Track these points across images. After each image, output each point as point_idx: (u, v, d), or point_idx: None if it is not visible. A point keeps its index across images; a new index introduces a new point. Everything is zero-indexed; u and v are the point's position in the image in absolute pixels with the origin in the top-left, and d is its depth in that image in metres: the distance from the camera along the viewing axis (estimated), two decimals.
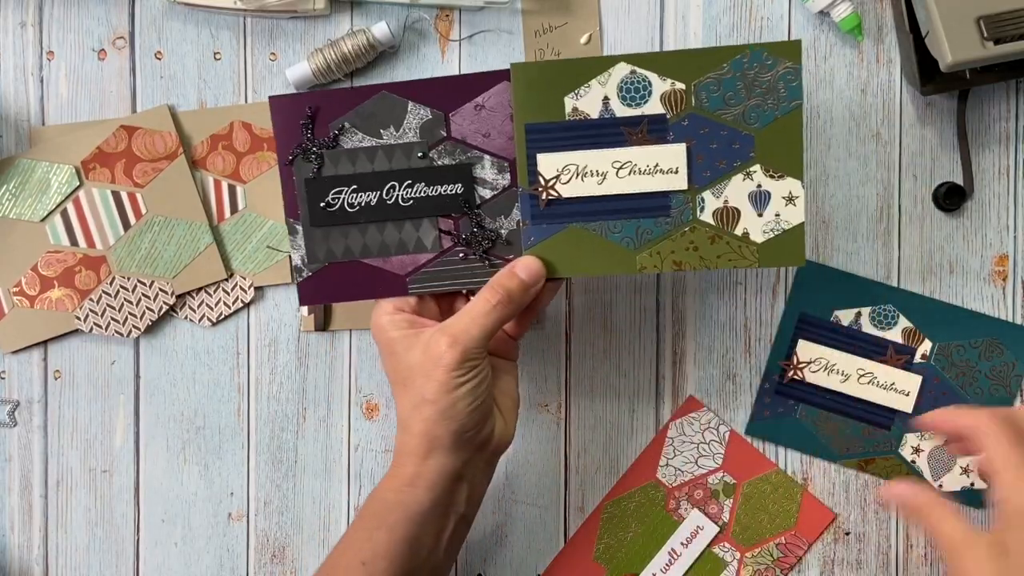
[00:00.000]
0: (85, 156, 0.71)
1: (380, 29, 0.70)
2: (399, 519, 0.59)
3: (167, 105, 0.72)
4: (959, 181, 0.72)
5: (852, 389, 0.71)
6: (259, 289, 0.72)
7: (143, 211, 0.72)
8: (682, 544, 0.71)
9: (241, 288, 0.72)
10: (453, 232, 0.62)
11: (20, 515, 0.73)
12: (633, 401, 0.73)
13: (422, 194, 0.62)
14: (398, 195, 0.62)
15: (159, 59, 0.72)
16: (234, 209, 0.72)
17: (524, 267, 0.61)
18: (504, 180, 0.62)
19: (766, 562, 0.71)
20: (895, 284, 0.72)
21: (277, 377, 0.73)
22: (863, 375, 0.71)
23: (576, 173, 0.61)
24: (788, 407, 0.72)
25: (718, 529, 0.71)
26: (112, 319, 0.72)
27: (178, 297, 0.72)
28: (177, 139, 0.71)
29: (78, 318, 0.72)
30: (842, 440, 0.72)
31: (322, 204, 0.62)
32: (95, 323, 0.72)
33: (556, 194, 0.62)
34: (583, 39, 0.72)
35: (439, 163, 0.61)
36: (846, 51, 0.72)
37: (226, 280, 0.72)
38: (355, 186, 0.62)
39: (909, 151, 0.73)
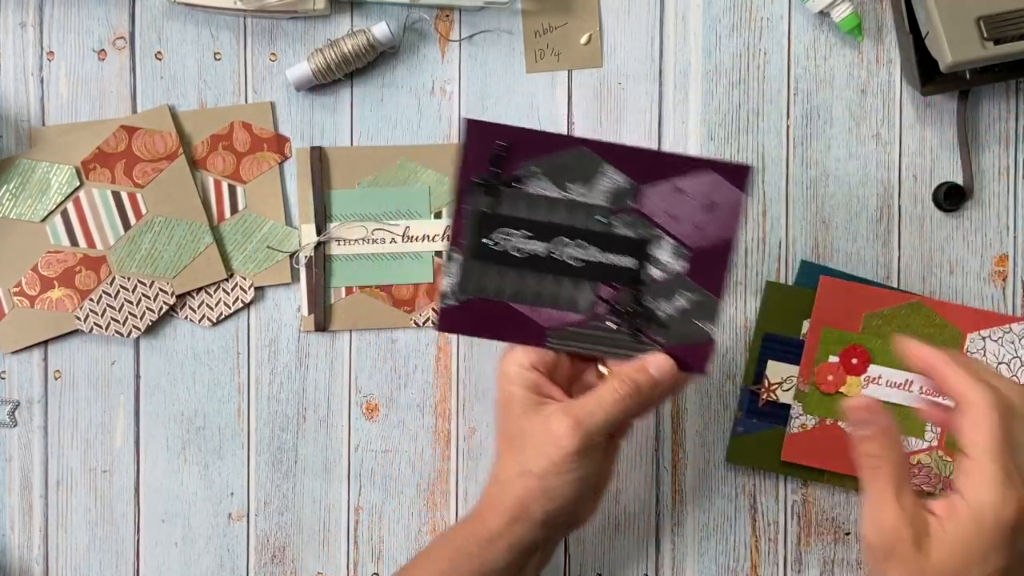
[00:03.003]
0: (85, 156, 0.71)
1: (380, 29, 0.70)
2: (472, 572, 0.59)
3: (167, 105, 0.72)
4: (959, 181, 0.72)
5: None
6: (259, 289, 0.72)
7: (143, 211, 0.72)
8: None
9: (241, 288, 0.72)
10: (610, 301, 0.61)
11: (20, 515, 0.73)
12: None
13: (592, 258, 0.60)
14: (567, 252, 0.60)
15: (159, 59, 0.72)
16: (234, 209, 0.72)
17: (657, 366, 0.60)
18: (678, 266, 0.60)
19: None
20: (895, 284, 0.72)
21: (277, 377, 0.73)
22: None
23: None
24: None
25: None
26: (112, 319, 0.72)
27: (178, 297, 0.72)
28: (177, 139, 0.71)
29: (78, 318, 0.72)
30: None
31: (488, 240, 0.60)
32: (95, 323, 0.72)
33: (775, 398, 0.70)
34: (583, 39, 0.72)
35: (618, 231, 0.60)
36: (846, 51, 0.72)
37: (226, 280, 0.72)
38: (527, 232, 0.60)
39: (909, 151, 0.73)
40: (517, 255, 0.60)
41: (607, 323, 0.61)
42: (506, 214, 0.60)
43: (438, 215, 0.72)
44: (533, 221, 0.60)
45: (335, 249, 0.72)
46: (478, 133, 0.58)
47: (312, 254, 0.72)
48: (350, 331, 0.73)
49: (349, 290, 0.72)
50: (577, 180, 0.59)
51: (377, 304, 0.72)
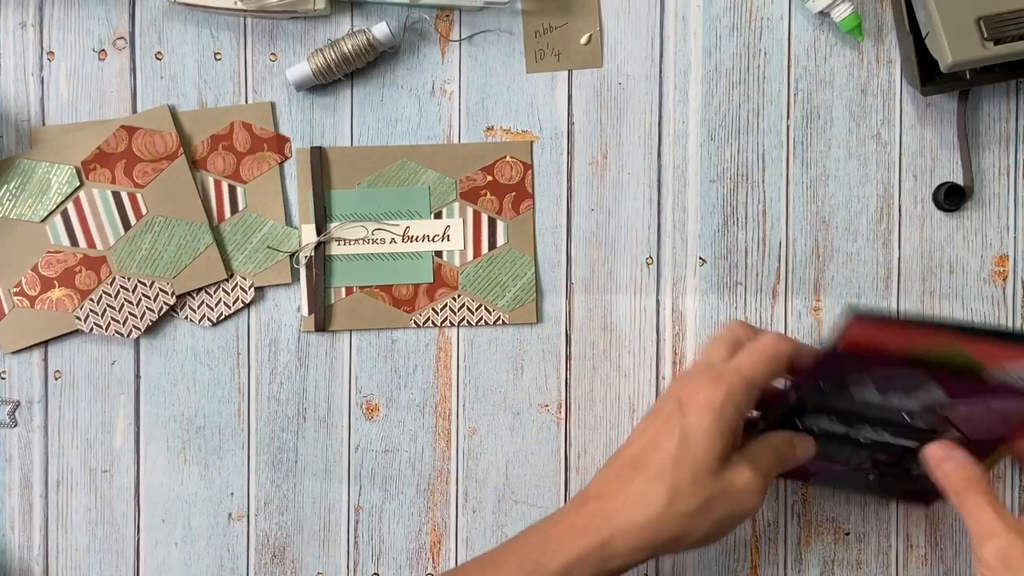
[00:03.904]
0: (85, 156, 0.71)
1: (380, 29, 0.70)
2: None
3: (167, 105, 0.72)
4: (959, 181, 0.72)
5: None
6: (259, 289, 0.72)
7: (143, 211, 0.72)
8: None
9: (241, 288, 0.72)
10: (883, 461, 0.64)
11: (20, 515, 0.73)
12: (633, 401, 0.73)
13: (883, 438, 0.62)
14: (863, 434, 0.62)
15: (159, 59, 0.72)
16: (234, 209, 0.72)
17: (804, 449, 0.62)
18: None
19: None
20: (895, 284, 0.72)
21: (277, 377, 0.73)
22: None
23: None
24: None
25: None
26: (112, 319, 0.72)
27: (178, 297, 0.72)
28: (177, 139, 0.71)
29: (78, 318, 0.72)
30: None
31: (798, 422, 0.62)
32: (95, 323, 0.72)
33: None
34: (583, 39, 0.72)
35: (915, 424, 0.61)
36: (846, 51, 0.72)
37: (226, 280, 0.72)
38: (834, 417, 0.61)
39: (909, 151, 0.73)
40: (816, 430, 0.63)
41: (868, 476, 0.65)
42: (824, 404, 0.61)
43: (438, 215, 0.72)
44: (844, 411, 0.61)
45: (335, 249, 0.72)
46: (862, 332, 0.55)
47: (312, 254, 0.72)
48: (350, 331, 0.73)
49: (349, 290, 0.72)
50: (900, 391, 0.59)
51: (377, 304, 0.72)
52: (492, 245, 0.72)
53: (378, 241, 0.72)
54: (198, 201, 0.72)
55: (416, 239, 0.72)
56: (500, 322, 0.72)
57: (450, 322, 0.72)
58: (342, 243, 0.72)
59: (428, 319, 0.72)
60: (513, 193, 0.72)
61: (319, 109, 0.72)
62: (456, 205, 0.72)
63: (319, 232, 0.72)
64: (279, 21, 0.72)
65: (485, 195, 0.72)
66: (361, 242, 0.72)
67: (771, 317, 0.72)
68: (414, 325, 0.72)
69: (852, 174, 0.73)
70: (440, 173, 0.72)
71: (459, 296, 0.72)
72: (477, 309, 0.72)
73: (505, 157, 0.72)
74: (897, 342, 0.55)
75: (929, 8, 0.66)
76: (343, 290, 0.72)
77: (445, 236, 0.72)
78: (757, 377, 0.58)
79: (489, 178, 0.72)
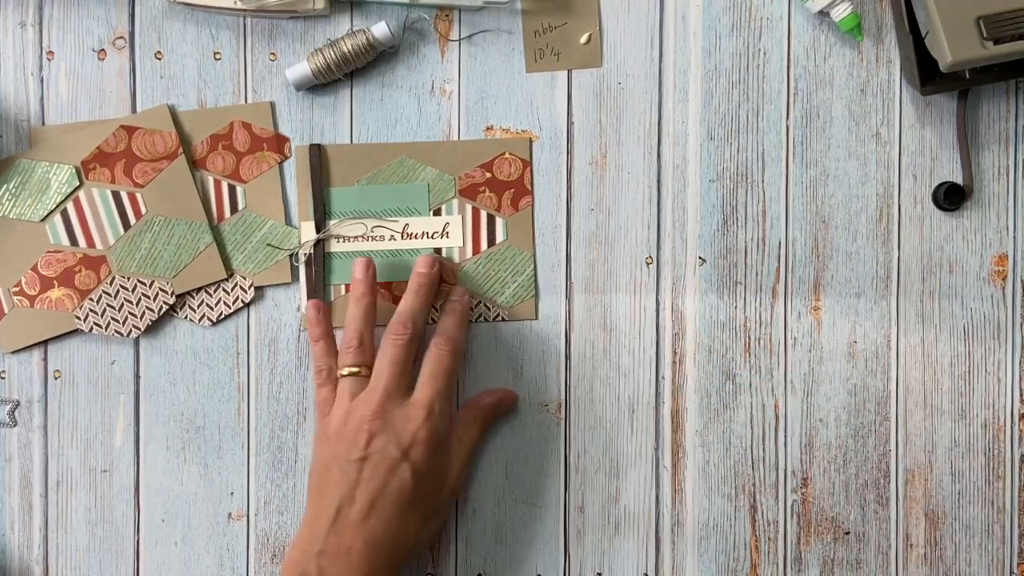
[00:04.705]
0: (85, 156, 0.71)
1: (380, 29, 0.70)
2: None
3: (167, 105, 0.72)
4: (959, 181, 0.72)
5: None
6: (259, 289, 0.72)
7: (143, 211, 0.72)
8: None
9: (241, 288, 0.72)
10: None
11: (20, 515, 0.73)
12: (633, 401, 0.73)
13: None
14: None
15: (159, 59, 0.72)
16: (234, 209, 0.72)
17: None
18: None
19: None
20: (895, 284, 0.72)
21: (277, 377, 0.73)
22: None
23: None
24: None
25: None
26: (112, 319, 0.72)
27: (178, 297, 0.72)
28: (177, 139, 0.71)
29: (78, 318, 0.72)
30: None
31: None
32: (95, 323, 0.72)
33: None
34: (583, 39, 0.72)
35: None
36: (846, 51, 0.72)
37: (226, 280, 0.72)
38: None
39: (909, 151, 0.73)
40: None
41: None
42: None
43: (437, 212, 0.72)
44: None
45: (334, 246, 0.72)
46: None
47: (311, 251, 0.72)
48: None
49: (348, 287, 0.72)
50: None
51: (377, 301, 0.72)
52: (491, 242, 0.72)
53: (377, 238, 0.72)
54: (198, 201, 0.72)
55: (415, 236, 0.72)
56: (499, 318, 0.72)
57: None
58: (341, 240, 0.72)
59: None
60: (512, 190, 0.72)
61: (319, 109, 0.72)
62: (455, 202, 0.72)
63: (318, 229, 0.72)
64: (279, 21, 0.72)
65: (484, 192, 0.72)
66: (360, 239, 0.72)
67: (771, 317, 0.72)
68: None
69: (852, 174, 0.73)
70: (439, 170, 0.72)
71: None
72: (477, 306, 0.72)
73: (504, 154, 0.72)
74: None
75: (929, 8, 0.66)
76: (343, 287, 0.72)
77: (444, 233, 0.72)
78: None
79: (488, 175, 0.72)
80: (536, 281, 0.72)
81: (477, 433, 0.70)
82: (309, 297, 0.72)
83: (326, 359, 0.69)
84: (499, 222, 0.72)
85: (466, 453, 0.69)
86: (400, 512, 0.65)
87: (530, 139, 0.72)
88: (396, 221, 0.72)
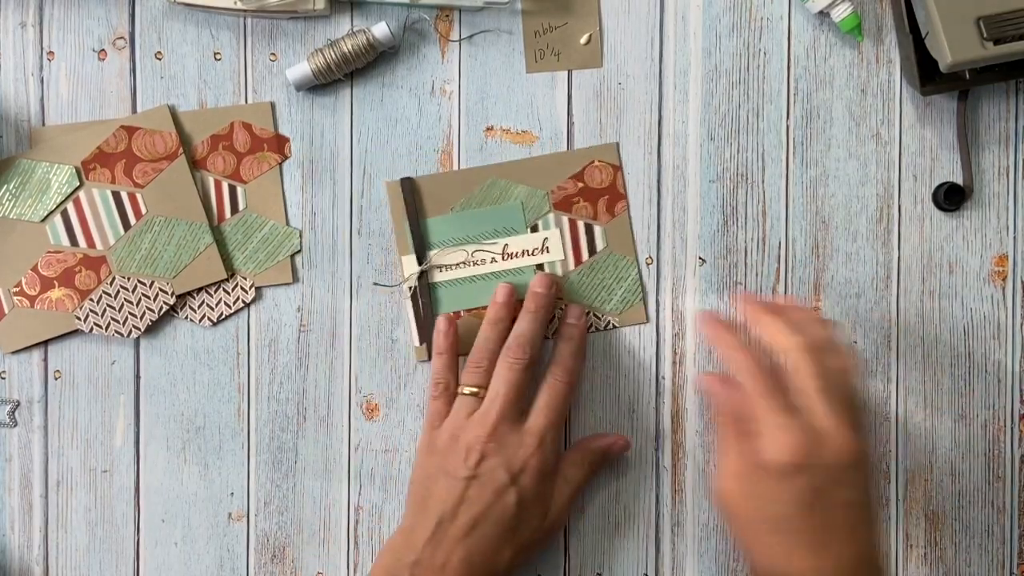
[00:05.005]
0: (85, 156, 0.71)
1: (380, 29, 0.70)
2: None
3: (167, 105, 0.72)
4: (959, 181, 0.72)
5: None
6: (259, 289, 0.73)
7: (143, 211, 0.72)
8: None
9: (241, 288, 0.72)
10: None
11: (20, 515, 0.73)
12: (633, 401, 0.73)
13: None
14: None
15: (159, 59, 0.72)
16: (234, 209, 0.72)
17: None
18: None
19: None
20: (895, 284, 0.72)
21: (277, 377, 0.73)
22: None
23: None
24: None
25: None
26: (112, 319, 0.72)
27: (178, 297, 0.72)
28: (177, 139, 0.71)
29: (78, 318, 0.72)
30: None
31: None
32: (95, 323, 0.72)
33: None
34: (583, 39, 0.72)
35: None
36: (846, 51, 0.72)
37: (226, 280, 0.72)
38: None
39: (909, 151, 0.73)
40: None
41: None
42: None
43: (534, 228, 0.72)
44: None
45: (437, 276, 0.72)
46: None
47: (416, 284, 0.71)
48: (350, 331, 0.73)
49: (456, 315, 0.72)
50: None
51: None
52: (592, 251, 0.72)
53: (479, 263, 0.72)
54: (198, 201, 0.72)
55: (515, 255, 0.72)
56: (610, 326, 0.72)
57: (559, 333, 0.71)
58: (443, 269, 0.72)
59: None
60: (606, 196, 0.72)
61: (319, 109, 0.72)
62: (551, 216, 0.72)
63: (420, 261, 0.72)
64: (279, 21, 0.72)
65: (578, 202, 0.72)
66: (462, 265, 0.72)
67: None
68: None
69: (852, 174, 0.73)
70: (530, 187, 0.72)
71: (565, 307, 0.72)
72: (587, 315, 0.72)
73: (593, 162, 0.72)
74: None
75: (929, 8, 0.66)
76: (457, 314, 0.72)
77: (544, 248, 0.72)
78: None
79: (580, 184, 0.72)
80: (642, 284, 0.72)
81: (584, 474, 0.69)
82: (419, 329, 0.72)
83: (445, 373, 0.69)
84: (597, 230, 0.72)
85: (571, 492, 0.68)
86: (499, 536, 0.64)
87: (617, 144, 0.72)
88: (495, 243, 0.72)
